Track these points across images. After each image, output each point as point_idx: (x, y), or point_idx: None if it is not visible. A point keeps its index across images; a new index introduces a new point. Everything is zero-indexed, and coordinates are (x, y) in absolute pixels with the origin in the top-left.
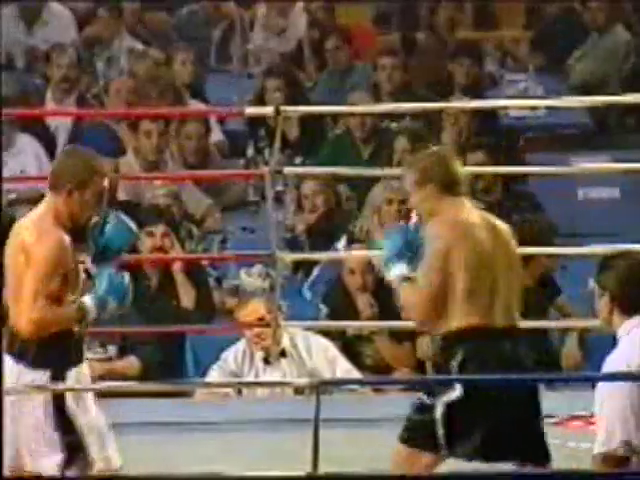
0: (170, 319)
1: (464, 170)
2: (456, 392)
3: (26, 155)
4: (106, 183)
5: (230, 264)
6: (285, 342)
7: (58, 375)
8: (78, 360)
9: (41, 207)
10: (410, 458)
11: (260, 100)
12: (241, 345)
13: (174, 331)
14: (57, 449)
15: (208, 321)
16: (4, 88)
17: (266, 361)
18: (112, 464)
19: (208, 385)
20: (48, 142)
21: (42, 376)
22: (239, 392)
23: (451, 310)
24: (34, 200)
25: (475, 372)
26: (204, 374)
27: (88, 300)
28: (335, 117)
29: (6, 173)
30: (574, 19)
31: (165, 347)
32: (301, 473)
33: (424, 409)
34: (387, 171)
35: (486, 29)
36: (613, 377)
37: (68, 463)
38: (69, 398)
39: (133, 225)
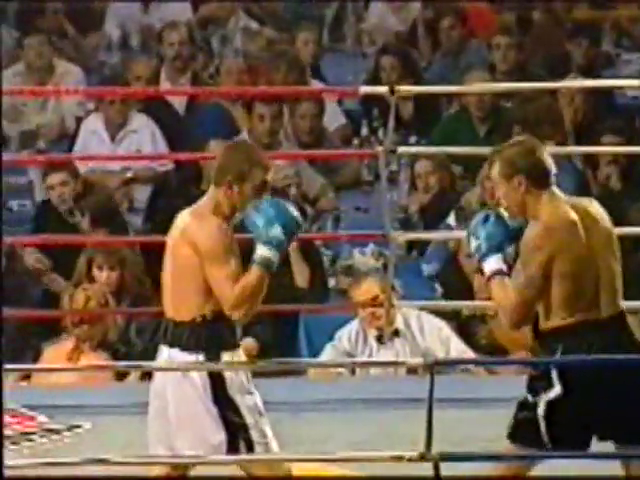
0: (284, 298)
1: (551, 160)
2: (556, 390)
3: (142, 134)
4: (269, 176)
5: (344, 244)
6: (398, 322)
7: (212, 358)
8: (233, 345)
9: (202, 200)
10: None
11: (374, 79)
12: (355, 325)
13: (288, 310)
14: (220, 428)
15: (322, 300)
16: (121, 68)
17: (379, 341)
18: (271, 448)
19: (322, 365)
20: (167, 122)
21: (195, 359)
22: (352, 372)
23: (549, 311)
24: (150, 179)
25: (575, 367)
26: (317, 353)
27: (261, 249)
28: (449, 96)
29: (121, 151)
30: None
31: (279, 326)
32: (414, 453)
33: (527, 407)
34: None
35: (602, 9)
36: None
37: (231, 443)
38: (229, 379)
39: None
